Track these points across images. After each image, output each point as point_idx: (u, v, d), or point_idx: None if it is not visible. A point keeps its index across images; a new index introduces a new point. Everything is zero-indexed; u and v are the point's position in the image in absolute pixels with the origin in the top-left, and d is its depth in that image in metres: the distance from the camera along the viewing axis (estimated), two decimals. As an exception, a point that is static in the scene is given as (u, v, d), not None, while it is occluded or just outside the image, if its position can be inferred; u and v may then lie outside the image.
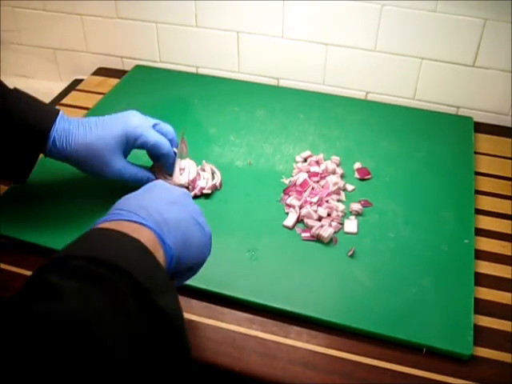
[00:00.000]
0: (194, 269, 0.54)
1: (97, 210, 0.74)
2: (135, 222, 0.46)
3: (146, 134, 0.69)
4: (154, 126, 0.71)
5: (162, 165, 0.75)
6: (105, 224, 0.46)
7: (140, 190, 0.52)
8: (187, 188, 0.75)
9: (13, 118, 0.64)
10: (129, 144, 0.69)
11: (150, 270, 0.42)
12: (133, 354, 0.37)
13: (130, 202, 0.49)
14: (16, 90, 0.67)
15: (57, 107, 0.70)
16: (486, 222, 0.74)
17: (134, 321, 0.38)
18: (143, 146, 0.70)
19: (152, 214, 0.47)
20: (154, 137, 0.69)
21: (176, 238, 0.48)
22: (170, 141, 0.72)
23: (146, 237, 0.45)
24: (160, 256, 0.45)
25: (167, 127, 0.73)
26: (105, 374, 0.35)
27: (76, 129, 0.67)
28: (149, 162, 0.76)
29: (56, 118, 0.66)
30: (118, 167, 0.68)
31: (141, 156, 0.74)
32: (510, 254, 0.70)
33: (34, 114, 0.65)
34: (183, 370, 0.42)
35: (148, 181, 0.70)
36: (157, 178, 0.75)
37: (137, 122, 0.69)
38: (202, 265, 0.54)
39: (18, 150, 0.66)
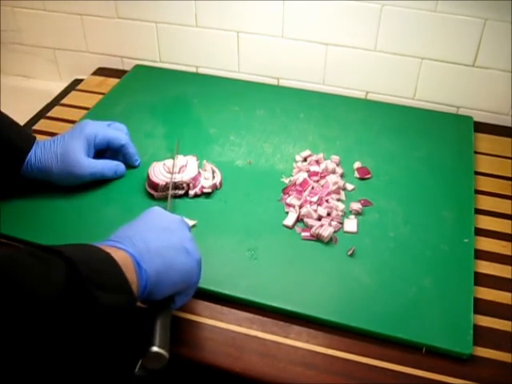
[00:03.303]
0: (184, 292, 0.56)
1: (96, 209, 0.74)
2: (115, 247, 0.50)
3: (102, 131, 0.77)
4: (109, 125, 0.80)
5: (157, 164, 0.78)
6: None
7: (136, 219, 0.56)
8: (188, 186, 0.76)
9: None
10: (90, 143, 0.75)
11: (103, 271, 0.45)
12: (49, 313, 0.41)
13: (119, 232, 0.54)
14: None
15: (36, 128, 0.83)
16: (485, 222, 0.74)
17: (56, 293, 0.41)
18: (103, 142, 0.77)
19: (135, 242, 0.51)
20: (110, 132, 0.78)
21: (156, 265, 0.51)
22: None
23: (118, 255, 0.48)
24: (131, 275, 0.48)
25: (120, 125, 0.82)
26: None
27: (43, 145, 0.74)
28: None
29: (33, 141, 0.74)
30: (85, 164, 0.74)
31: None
32: (509, 253, 0.69)
33: (16, 136, 0.72)
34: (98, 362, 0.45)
35: (117, 171, 0.78)
36: (153, 181, 0.75)
37: (92, 125, 0.77)
38: (193, 288, 0.57)
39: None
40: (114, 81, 1.05)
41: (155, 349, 0.49)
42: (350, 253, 0.68)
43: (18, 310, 0.39)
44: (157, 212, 0.58)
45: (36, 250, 0.44)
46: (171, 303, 0.55)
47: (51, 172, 0.73)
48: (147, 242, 0.52)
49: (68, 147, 0.73)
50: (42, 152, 0.73)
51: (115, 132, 0.79)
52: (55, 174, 0.73)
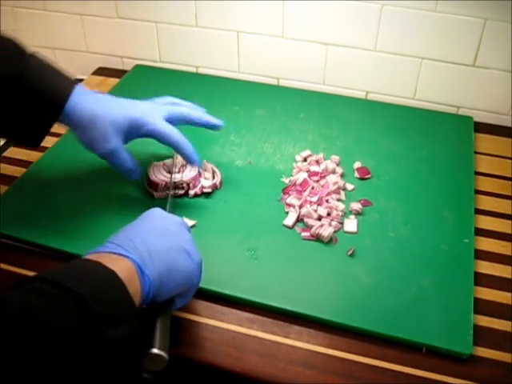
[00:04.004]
0: (185, 294, 0.56)
1: (96, 209, 0.74)
2: (117, 253, 0.49)
3: (151, 122, 0.68)
4: (171, 113, 0.71)
5: (160, 164, 0.77)
6: (90, 255, 0.49)
7: (136, 220, 0.56)
8: (188, 186, 0.76)
9: (31, 86, 0.64)
10: (132, 129, 0.68)
11: (111, 300, 0.45)
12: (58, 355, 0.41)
13: (120, 235, 0.53)
14: (35, 56, 0.66)
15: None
16: (485, 222, 0.74)
17: (70, 336, 0.41)
18: (149, 135, 0.69)
19: (137, 245, 0.51)
20: (159, 125, 0.68)
21: (158, 268, 0.51)
22: (192, 122, 0.73)
23: (122, 267, 0.48)
24: (135, 285, 0.48)
25: (188, 107, 0.74)
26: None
27: (87, 98, 0.67)
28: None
29: (72, 90, 0.67)
30: (113, 145, 0.67)
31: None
32: (509, 253, 0.70)
33: (53, 84, 0.66)
34: None
35: (132, 174, 0.70)
36: (151, 180, 0.75)
37: (145, 109, 0.69)
38: (193, 290, 0.56)
39: (33, 117, 0.66)
40: (114, 81, 1.05)
41: (155, 351, 0.49)
42: (349, 253, 0.68)
43: (31, 355, 0.39)
44: (157, 213, 0.58)
45: (47, 286, 0.43)
46: (171, 305, 0.55)
47: (78, 125, 0.66)
48: (148, 244, 0.52)
49: (108, 118, 0.66)
50: (80, 103, 0.66)
51: (165, 127, 0.69)
52: (82, 128, 0.66)
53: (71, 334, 0.41)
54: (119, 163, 0.69)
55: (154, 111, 0.70)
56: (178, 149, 0.70)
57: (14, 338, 0.39)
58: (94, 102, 0.67)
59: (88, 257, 0.49)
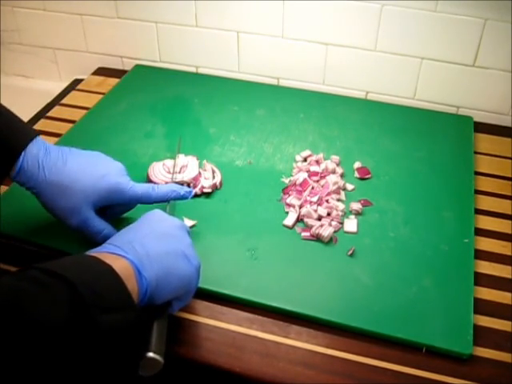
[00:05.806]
0: (182, 298, 0.55)
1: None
2: (115, 254, 0.50)
3: (127, 189, 0.63)
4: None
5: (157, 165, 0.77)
6: (90, 253, 0.49)
7: (136, 222, 0.56)
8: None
9: None
10: (108, 198, 0.63)
11: (105, 290, 0.45)
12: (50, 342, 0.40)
13: (120, 236, 0.53)
14: None
15: (36, 128, 0.66)
16: (485, 222, 0.74)
17: (61, 321, 0.41)
18: (130, 200, 0.65)
19: (136, 247, 0.51)
20: (140, 187, 0.64)
21: (156, 270, 0.51)
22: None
23: (119, 265, 0.48)
24: (132, 284, 0.48)
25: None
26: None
27: (52, 159, 0.61)
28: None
29: (30, 140, 0.60)
30: (84, 216, 0.62)
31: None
32: (509, 253, 0.70)
33: (8, 131, 0.60)
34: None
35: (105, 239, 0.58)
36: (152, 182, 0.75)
37: (118, 179, 0.63)
38: (191, 294, 0.56)
39: None
40: (114, 81, 1.05)
41: (151, 354, 0.49)
42: (349, 253, 0.68)
43: (22, 339, 0.39)
44: (158, 216, 0.57)
45: (40, 273, 0.43)
46: (168, 308, 0.55)
47: (42, 194, 0.61)
48: (147, 247, 0.51)
49: (82, 189, 0.60)
50: (43, 165, 0.60)
51: (146, 187, 0.65)
52: (46, 198, 0.61)
53: (61, 321, 0.41)
54: (92, 234, 0.64)
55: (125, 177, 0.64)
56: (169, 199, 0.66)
57: (3, 321, 0.39)
58: (60, 169, 0.61)
59: (88, 253, 0.49)
